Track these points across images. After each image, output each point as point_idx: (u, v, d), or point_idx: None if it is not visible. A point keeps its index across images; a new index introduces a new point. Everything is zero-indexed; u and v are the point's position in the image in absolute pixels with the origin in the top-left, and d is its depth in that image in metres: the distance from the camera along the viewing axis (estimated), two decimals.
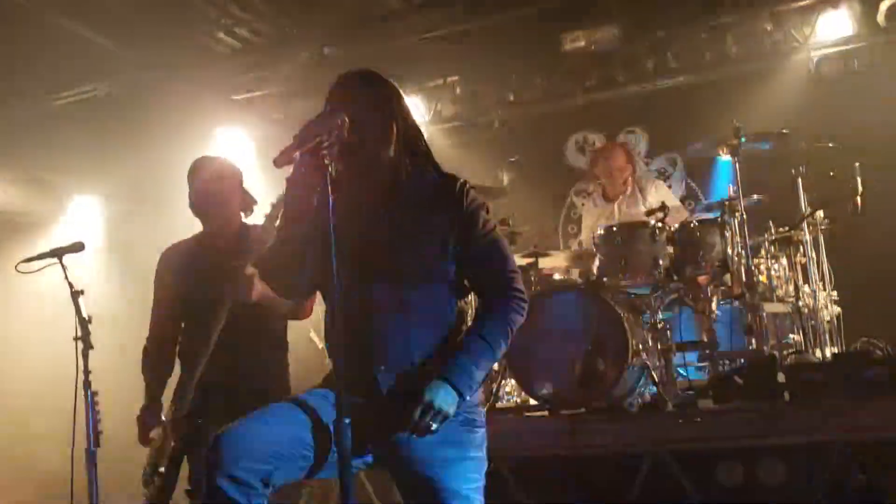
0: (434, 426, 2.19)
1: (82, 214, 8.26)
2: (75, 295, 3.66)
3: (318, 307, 2.61)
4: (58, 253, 3.71)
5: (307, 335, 6.29)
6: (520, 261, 5.26)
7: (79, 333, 3.62)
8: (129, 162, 6.80)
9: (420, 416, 2.17)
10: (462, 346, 2.32)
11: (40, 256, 3.75)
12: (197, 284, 3.45)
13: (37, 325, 7.30)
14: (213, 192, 3.51)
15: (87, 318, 3.64)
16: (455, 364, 2.27)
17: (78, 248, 3.77)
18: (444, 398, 2.20)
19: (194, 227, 3.62)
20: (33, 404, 7.08)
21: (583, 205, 6.48)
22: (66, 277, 3.69)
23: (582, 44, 6.87)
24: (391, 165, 2.41)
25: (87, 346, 3.61)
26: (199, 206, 3.54)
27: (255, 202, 3.56)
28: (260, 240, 3.04)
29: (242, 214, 3.58)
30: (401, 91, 2.53)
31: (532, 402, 4.86)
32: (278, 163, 2.18)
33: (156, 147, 6.51)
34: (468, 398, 2.28)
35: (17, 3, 5.18)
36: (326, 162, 2.19)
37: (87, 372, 3.62)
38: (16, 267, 3.78)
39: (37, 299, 6.85)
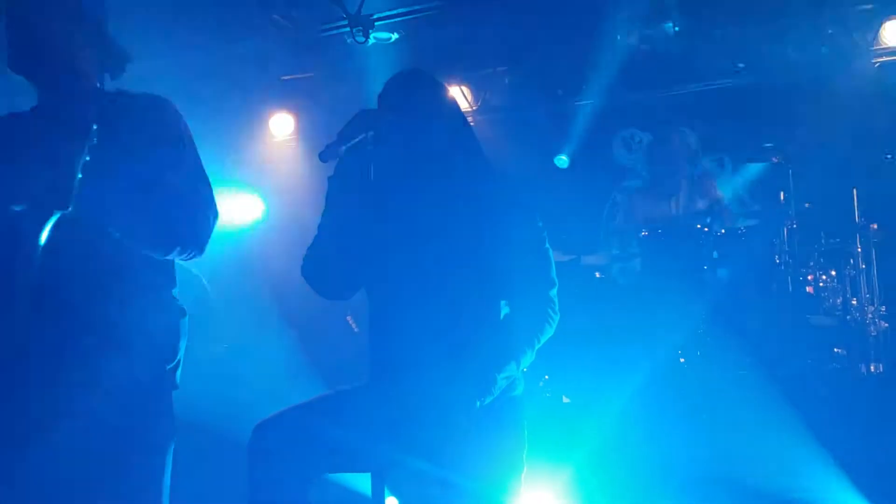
0: None
1: None
2: None
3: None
4: None
5: (344, 318, 6.30)
6: (563, 257, 5.20)
7: None
8: None
9: None
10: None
11: None
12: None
13: None
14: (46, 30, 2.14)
15: None
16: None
17: None
18: None
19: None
20: None
21: (626, 202, 6.39)
22: None
23: (635, 40, 6.76)
24: (437, 163, 2.39)
25: None
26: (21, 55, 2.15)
27: (126, 58, 2.32)
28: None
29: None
30: (447, 87, 2.52)
31: None
32: (324, 157, 2.19)
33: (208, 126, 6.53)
34: None
35: None
36: (370, 158, 2.20)
37: None
38: None
39: None
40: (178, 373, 2.29)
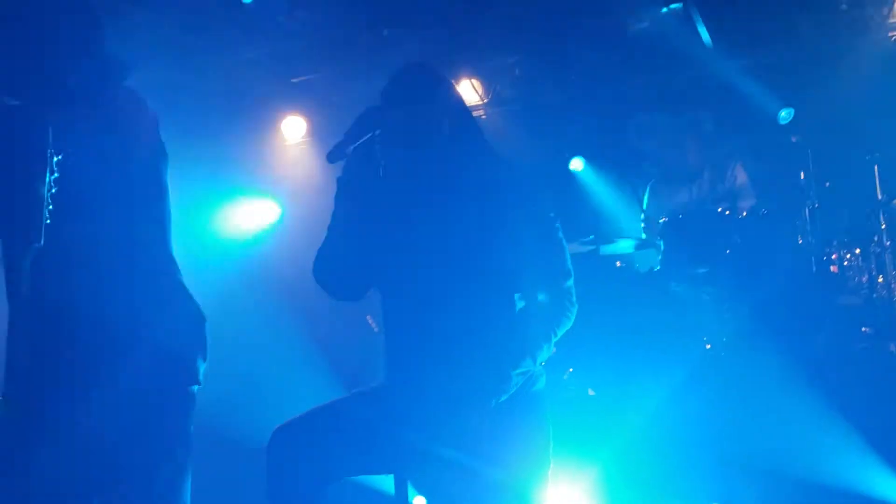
0: None
1: None
2: None
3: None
4: None
5: (363, 318, 6.27)
6: (581, 248, 5.15)
7: None
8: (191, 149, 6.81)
9: None
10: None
11: None
12: None
13: None
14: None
15: None
16: None
17: None
18: None
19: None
20: None
21: (648, 189, 6.31)
22: None
23: (646, 24, 6.69)
24: (444, 158, 2.37)
25: None
26: None
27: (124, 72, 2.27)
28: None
29: None
30: (452, 81, 2.50)
31: None
32: (332, 158, 2.19)
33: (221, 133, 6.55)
34: None
35: None
36: (378, 157, 2.18)
37: None
38: None
39: None
40: (202, 370, 2.29)
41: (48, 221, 1.94)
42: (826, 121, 5.04)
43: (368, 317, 6.27)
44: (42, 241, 1.92)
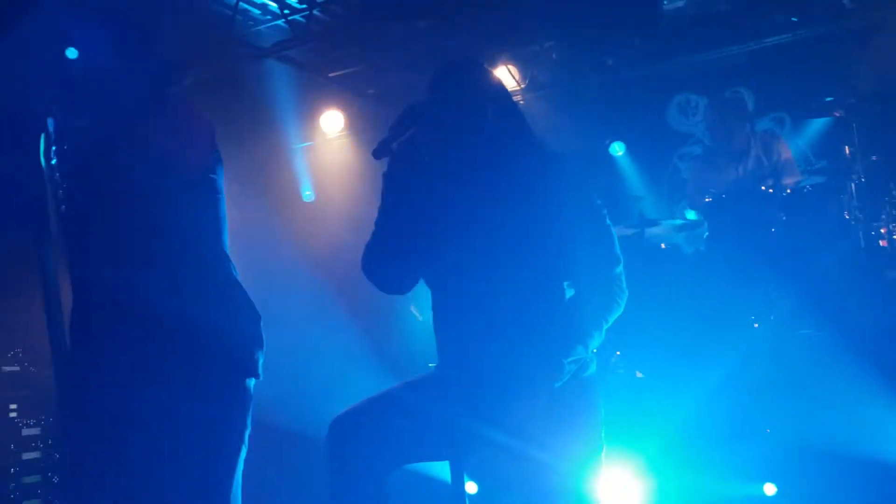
0: None
1: None
2: None
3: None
4: None
5: (408, 308, 6.32)
6: (625, 231, 5.14)
7: None
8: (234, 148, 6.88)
9: None
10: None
11: None
12: None
13: None
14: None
15: None
16: None
17: None
18: None
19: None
20: None
21: (689, 169, 6.25)
22: None
23: (681, 4, 6.61)
24: (490, 150, 2.38)
25: None
26: None
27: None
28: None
29: None
30: (494, 72, 2.51)
31: None
32: (377, 154, 2.20)
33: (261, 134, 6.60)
34: None
35: None
36: (424, 151, 2.20)
37: None
38: None
39: None
40: (261, 363, 2.34)
41: (63, 208, 2.00)
42: (870, 94, 4.94)
43: (412, 307, 6.32)
44: (54, 232, 1.99)
